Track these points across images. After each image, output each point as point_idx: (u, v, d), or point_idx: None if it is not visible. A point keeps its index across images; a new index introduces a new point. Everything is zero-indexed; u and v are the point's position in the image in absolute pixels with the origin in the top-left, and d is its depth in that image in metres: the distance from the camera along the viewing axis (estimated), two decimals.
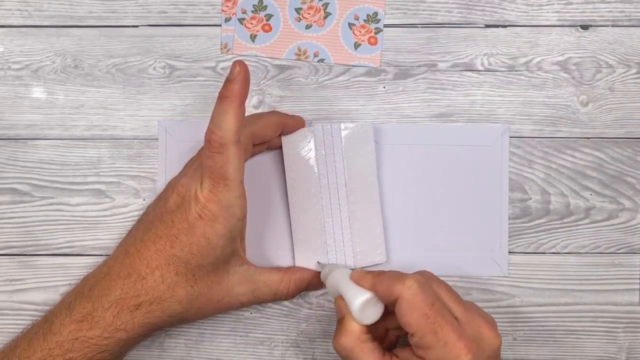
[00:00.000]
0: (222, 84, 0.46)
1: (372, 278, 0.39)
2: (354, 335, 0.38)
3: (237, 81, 0.38)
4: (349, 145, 0.46)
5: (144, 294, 0.40)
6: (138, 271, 0.40)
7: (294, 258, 0.46)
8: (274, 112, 0.45)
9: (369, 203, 0.46)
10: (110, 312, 0.39)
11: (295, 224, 0.46)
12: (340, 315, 0.40)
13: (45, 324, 0.40)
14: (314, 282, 0.46)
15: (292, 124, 0.45)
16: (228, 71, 0.38)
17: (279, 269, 0.45)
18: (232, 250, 0.41)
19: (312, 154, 0.46)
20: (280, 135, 0.46)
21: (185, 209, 0.40)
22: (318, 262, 0.46)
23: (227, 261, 0.41)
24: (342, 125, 0.46)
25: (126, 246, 0.42)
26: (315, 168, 0.46)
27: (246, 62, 0.47)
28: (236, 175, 0.39)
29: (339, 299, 0.40)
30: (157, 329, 0.42)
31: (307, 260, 0.46)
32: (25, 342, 0.40)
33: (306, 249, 0.46)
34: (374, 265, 0.46)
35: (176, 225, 0.40)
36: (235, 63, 0.38)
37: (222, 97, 0.38)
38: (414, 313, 0.37)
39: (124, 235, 0.44)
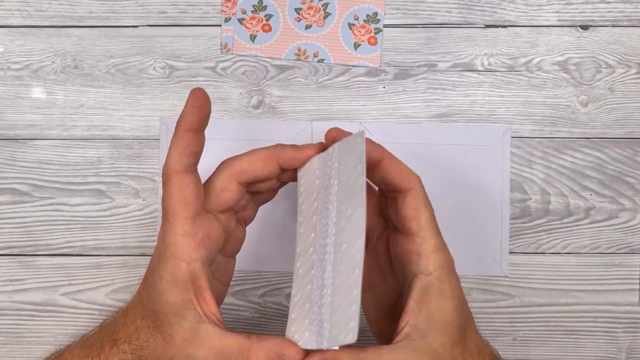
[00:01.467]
0: (221, 84, 0.47)
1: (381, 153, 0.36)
2: None
3: (185, 110, 0.34)
4: (341, 171, 0.35)
5: (122, 330, 0.36)
6: (125, 309, 0.37)
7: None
8: (269, 147, 0.37)
9: (353, 248, 0.32)
10: (106, 344, 0.37)
11: (296, 281, 0.35)
12: None
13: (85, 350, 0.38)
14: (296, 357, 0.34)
15: (292, 155, 0.36)
16: (227, 72, 0.38)
17: (246, 335, 0.34)
18: (181, 300, 0.33)
19: (316, 188, 0.36)
20: (287, 170, 0.38)
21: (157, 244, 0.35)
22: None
23: (178, 313, 0.33)
24: (337, 146, 0.36)
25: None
26: (315, 205, 0.36)
27: (247, 62, 0.47)
28: (180, 210, 0.33)
29: None
30: None
31: (296, 333, 0.34)
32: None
33: (298, 316, 0.34)
34: (343, 346, 0.32)
35: (149, 264, 0.36)
36: (191, 91, 0.34)
37: (175, 126, 0.34)
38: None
39: (124, 235, 0.44)
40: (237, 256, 0.40)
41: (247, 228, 0.40)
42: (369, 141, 0.35)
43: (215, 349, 0.33)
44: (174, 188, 0.33)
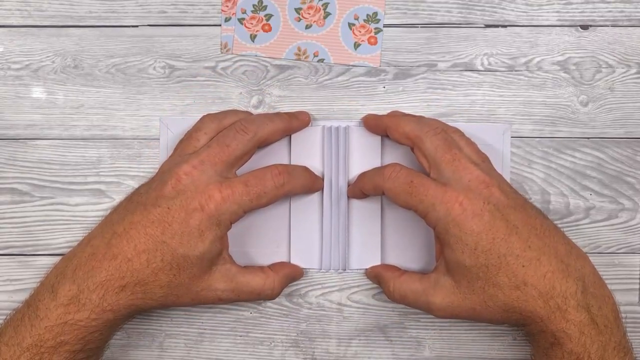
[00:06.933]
0: (221, 84, 0.47)
1: (357, 183, 0.45)
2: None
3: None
4: (356, 150, 0.46)
5: (129, 275, 0.40)
6: (124, 253, 0.40)
7: (289, 254, 0.46)
8: (281, 118, 0.45)
9: (370, 210, 0.46)
10: (96, 294, 0.39)
11: (295, 222, 0.46)
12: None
13: (29, 309, 0.40)
14: (299, 277, 0.47)
15: (297, 126, 0.46)
16: (227, 72, 0.38)
17: (262, 269, 0.44)
18: (219, 248, 0.41)
19: (318, 154, 0.46)
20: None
21: (187, 197, 0.40)
22: None
23: (212, 258, 0.41)
24: (354, 129, 0.46)
25: (113, 226, 0.41)
26: (320, 168, 0.46)
27: (247, 62, 0.47)
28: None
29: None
30: (140, 311, 0.42)
31: (301, 257, 0.46)
32: (11, 330, 0.40)
33: (303, 247, 0.46)
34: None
35: (172, 213, 0.40)
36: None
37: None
38: (399, 197, 0.41)
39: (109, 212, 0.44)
40: (236, 256, 0.44)
41: (245, 229, 0.46)
42: (374, 116, 0.46)
43: (242, 283, 0.42)
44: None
